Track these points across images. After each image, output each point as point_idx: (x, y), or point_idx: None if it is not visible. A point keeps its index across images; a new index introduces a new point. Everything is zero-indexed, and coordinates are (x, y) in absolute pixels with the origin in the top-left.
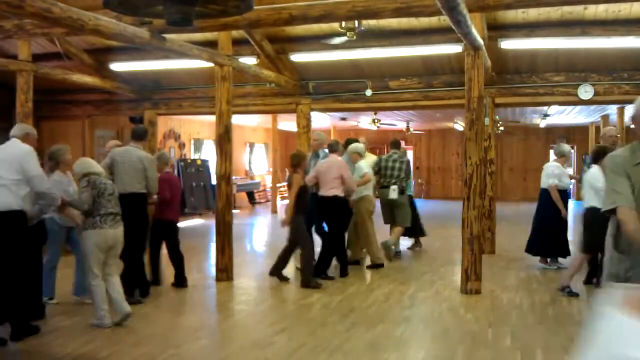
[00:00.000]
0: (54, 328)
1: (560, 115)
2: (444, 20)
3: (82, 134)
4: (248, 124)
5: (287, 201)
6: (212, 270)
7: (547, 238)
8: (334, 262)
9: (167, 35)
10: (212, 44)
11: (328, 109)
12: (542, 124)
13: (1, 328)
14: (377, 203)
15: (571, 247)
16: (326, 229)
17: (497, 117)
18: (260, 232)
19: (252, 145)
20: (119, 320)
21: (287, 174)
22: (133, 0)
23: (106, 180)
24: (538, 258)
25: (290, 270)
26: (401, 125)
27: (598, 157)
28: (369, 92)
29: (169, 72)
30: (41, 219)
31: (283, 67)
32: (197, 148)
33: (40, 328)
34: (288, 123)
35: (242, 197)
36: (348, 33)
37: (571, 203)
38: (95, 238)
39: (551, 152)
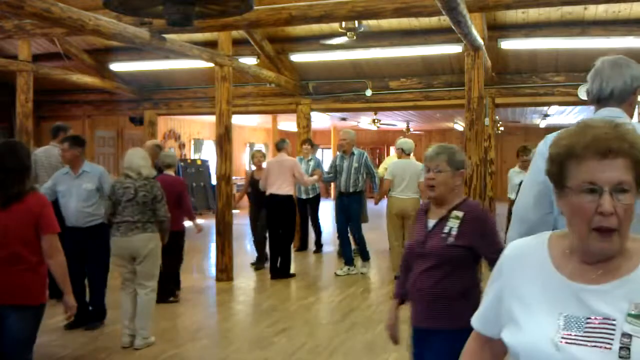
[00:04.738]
0: (54, 328)
1: (560, 116)
2: (444, 20)
3: (82, 134)
4: (248, 124)
5: None
6: (212, 270)
7: None
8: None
9: (167, 36)
10: (212, 44)
11: (328, 109)
12: (542, 124)
13: None
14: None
15: None
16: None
17: (497, 117)
18: None
19: (252, 146)
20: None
21: None
22: (133, 0)
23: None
24: None
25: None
26: (401, 126)
27: None
28: (369, 92)
29: (169, 72)
30: None
31: (283, 67)
32: (197, 148)
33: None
34: (288, 123)
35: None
36: (348, 33)
37: None
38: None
39: None
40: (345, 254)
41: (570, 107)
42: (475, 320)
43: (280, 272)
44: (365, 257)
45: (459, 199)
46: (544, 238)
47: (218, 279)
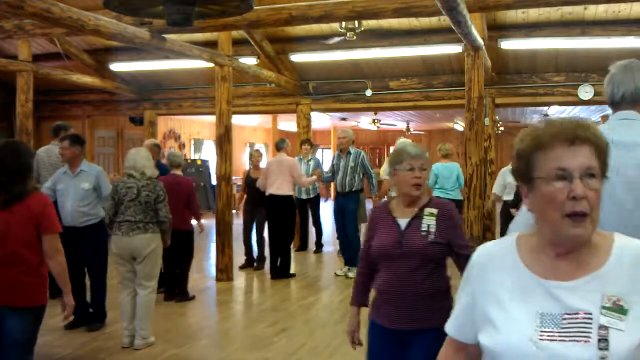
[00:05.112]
0: (55, 328)
1: (561, 116)
2: (444, 20)
3: (82, 134)
4: (248, 124)
5: None
6: (212, 270)
7: None
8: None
9: (167, 36)
10: (212, 44)
11: (328, 109)
12: None
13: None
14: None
15: None
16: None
17: (497, 117)
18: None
19: (252, 146)
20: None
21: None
22: (133, 0)
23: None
24: None
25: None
26: (401, 126)
27: None
28: (369, 92)
29: (169, 72)
30: None
31: (283, 67)
32: (197, 148)
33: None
34: (288, 123)
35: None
36: (348, 33)
37: None
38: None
39: None
40: (345, 254)
41: (570, 107)
42: (450, 327)
43: (280, 272)
44: (354, 261)
45: (425, 197)
46: (512, 239)
47: (218, 279)
